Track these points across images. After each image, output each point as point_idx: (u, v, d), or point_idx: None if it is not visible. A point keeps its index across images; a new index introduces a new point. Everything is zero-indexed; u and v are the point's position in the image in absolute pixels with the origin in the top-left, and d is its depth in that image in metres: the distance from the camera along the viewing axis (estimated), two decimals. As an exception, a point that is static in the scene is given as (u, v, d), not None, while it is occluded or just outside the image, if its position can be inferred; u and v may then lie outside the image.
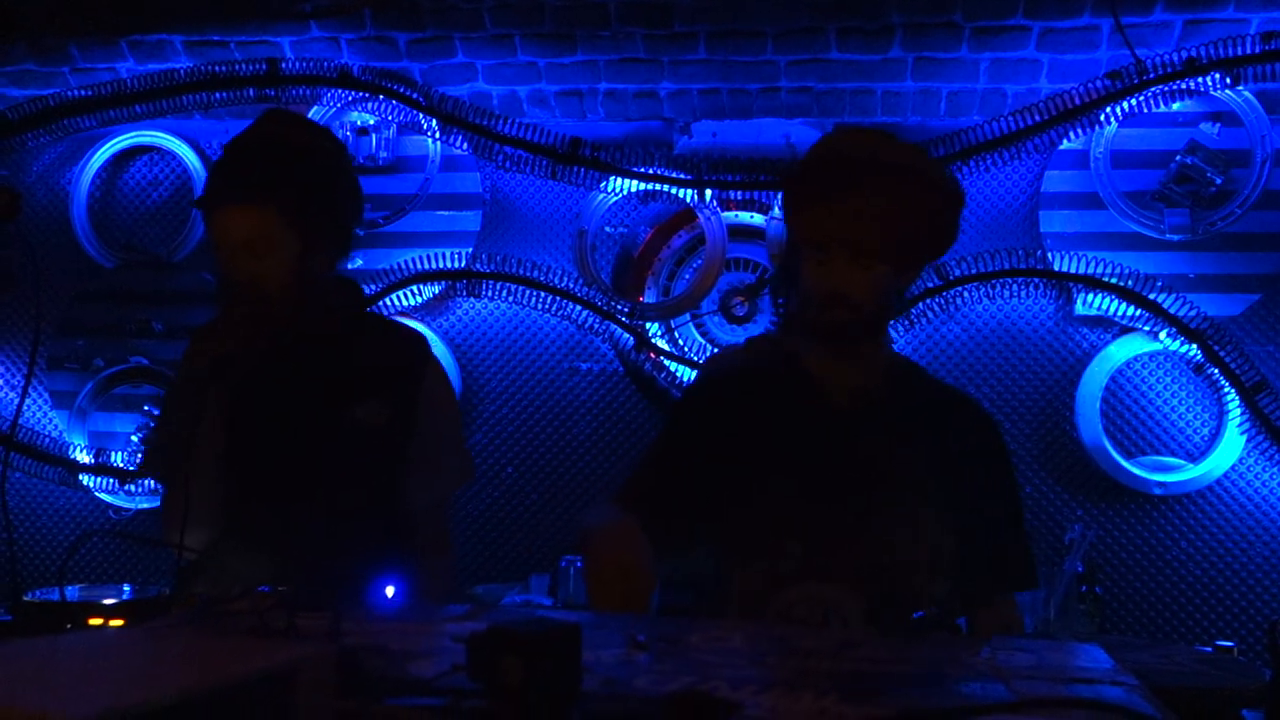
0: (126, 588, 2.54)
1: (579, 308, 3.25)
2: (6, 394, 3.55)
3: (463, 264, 3.31)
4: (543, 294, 3.26)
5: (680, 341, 3.29)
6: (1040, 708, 0.87)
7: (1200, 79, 2.94)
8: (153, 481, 3.25)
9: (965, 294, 3.10)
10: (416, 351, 2.04)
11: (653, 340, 3.25)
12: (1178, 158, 3.07)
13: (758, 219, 3.24)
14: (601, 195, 3.28)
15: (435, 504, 2.07)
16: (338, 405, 1.91)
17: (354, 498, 1.91)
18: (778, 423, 1.74)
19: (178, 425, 1.86)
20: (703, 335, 3.31)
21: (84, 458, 3.44)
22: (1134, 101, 3.00)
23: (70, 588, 2.53)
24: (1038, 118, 3.04)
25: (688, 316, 3.28)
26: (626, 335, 3.25)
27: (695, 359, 3.22)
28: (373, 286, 3.28)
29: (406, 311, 3.34)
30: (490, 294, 3.32)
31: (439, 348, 3.26)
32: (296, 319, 1.91)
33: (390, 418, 1.93)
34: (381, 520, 1.95)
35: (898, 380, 1.78)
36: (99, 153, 3.55)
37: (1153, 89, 2.97)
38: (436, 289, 3.34)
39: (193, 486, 1.72)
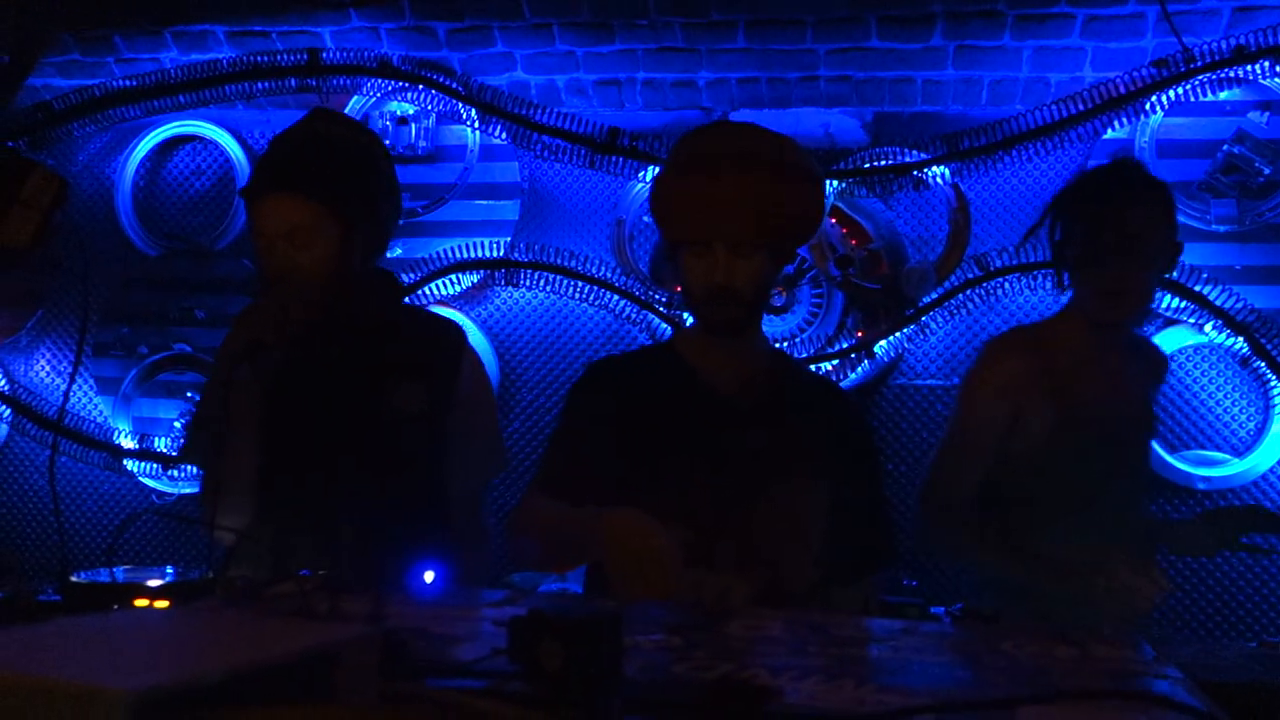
0: (170, 570, 2.57)
1: (616, 297, 3.25)
2: (54, 380, 3.61)
3: (501, 253, 3.32)
4: (580, 283, 3.27)
5: (717, 331, 3.28)
6: (1084, 699, 0.86)
7: (1249, 67, 2.88)
8: (192, 463, 3.29)
9: (1006, 285, 3.06)
10: (453, 341, 2.07)
11: (690, 330, 3.25)
12: (1225, 147, 3.01)
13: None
14: (640, 185, 3.28)
15: (470, 493, 2.09)
16: (375, 393, 1.94)
17: (391, 485, 1.93)
18: (663, 413, 1.76)
19: (209, 407, 1.88)
20: (740, 325, 3.30)
21: (128, 443, 3.49)
22: (1180, 90, 2.94)
23: (116, 569, 2.57)
24: (1081, 107, 2.99)
25: (725, 306, 3.27)
26: (664, 325, 3.24)
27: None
28: (412, 275, 3.30)
29: (445, 300, 3.36)
30: (528, 283, 3.32)
31: (477, 336, 3.27)
32: (335, 310, 1.94)
33: (426, 406, 1.96)
34: (419, 507, 1.97)
35: (773, 367, 1.84)
36: (143, 142, 3.59)
37: (1200, 77, 2.91)
38: (475, 278, 3.35)
39: (223, 468, 1.74)
